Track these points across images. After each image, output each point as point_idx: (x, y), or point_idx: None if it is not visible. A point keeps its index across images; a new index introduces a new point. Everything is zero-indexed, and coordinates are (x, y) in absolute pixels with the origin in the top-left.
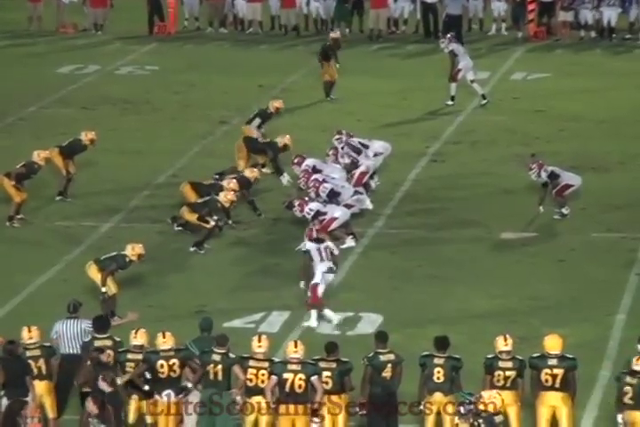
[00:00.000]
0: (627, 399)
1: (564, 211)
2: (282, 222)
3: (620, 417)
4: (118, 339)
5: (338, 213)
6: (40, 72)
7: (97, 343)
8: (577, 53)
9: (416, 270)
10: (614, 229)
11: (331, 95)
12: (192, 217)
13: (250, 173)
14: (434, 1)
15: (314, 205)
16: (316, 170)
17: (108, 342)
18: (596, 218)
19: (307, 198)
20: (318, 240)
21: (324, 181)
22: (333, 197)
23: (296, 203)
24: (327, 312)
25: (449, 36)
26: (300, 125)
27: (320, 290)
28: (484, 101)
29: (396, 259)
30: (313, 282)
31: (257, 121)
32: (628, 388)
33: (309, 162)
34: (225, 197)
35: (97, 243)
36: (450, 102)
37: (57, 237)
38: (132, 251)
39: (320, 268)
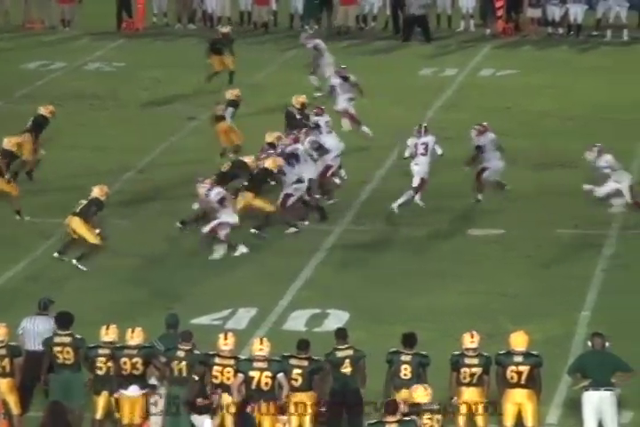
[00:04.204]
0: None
1: (479, 197)
2: (250, 219)
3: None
4: (79, 336)
5: (227, 219)
6: (6, 68)
7: (57, 340)
8: (544, 50)
9: (383, 267)
10: (580, 226)
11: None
12: (255, 201)
13: (272, 164)
14: None
15: (216, 192)
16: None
17: (68, 339)
18: (562, 214)
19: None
20: None
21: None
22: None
23: (206, 182)
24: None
25: (311, 31)
26: (270, 121)
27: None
28: (319, 94)
29: (363, 256)
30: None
31: (230, 110)
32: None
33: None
34: (273, 164)
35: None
36: (318, 94)
37: (24, 233)
38: None
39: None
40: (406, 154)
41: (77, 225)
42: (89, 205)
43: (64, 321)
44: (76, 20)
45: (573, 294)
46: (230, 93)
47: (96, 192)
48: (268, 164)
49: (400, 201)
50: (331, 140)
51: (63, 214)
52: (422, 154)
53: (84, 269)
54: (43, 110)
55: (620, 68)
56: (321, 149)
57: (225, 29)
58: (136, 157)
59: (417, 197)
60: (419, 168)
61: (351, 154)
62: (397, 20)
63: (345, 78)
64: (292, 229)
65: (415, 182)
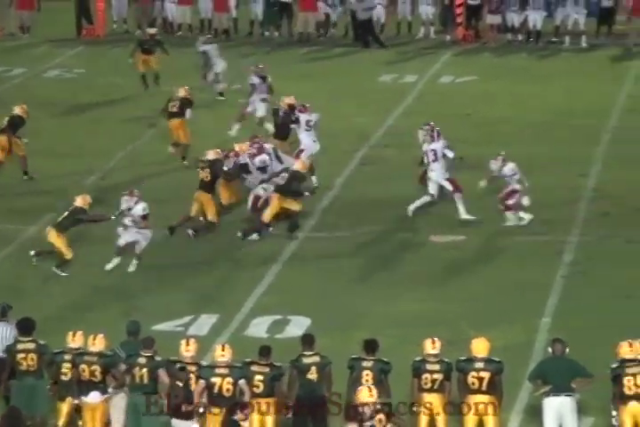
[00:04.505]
0: None
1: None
2: (212, 225)
3: None
4: (42, 342)
5: (147, 237)
6: None
7: (20, 346)
8: (504, 56)
9: (344, 274)
10: (540, 232)
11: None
12: (291, 204)
13: (301, 165)
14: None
15: (141, 207)
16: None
17: (31, 346)
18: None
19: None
20: None
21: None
22: (243, 169)
23: (134, 194)
24: None
25: (208, 36)
26: (228, 127)
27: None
28: (222, 98)
29: (325, 262)
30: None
31: (189, 112)
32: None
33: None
34: (303, 166)
35: (23, 245)
36: (221, 98)
37: None
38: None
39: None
40: (424, 161)
41: (54, 238)
42: (69, 215)
43: (26, 327)
44: (35, 27)
45: (534, 300)
46: (182, 90)
47: (79, 202)
48: (297, 166)
49: (462, 209)
50: (306, 139)
51: (21, 220)
52: (433, 160)
53: (64, 274)
54: (18, 110)
55: (578, 75)
56: (277, 157)
57: (152, 31)
58: (97, 163)
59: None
60: (435, 174)
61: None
62: (357, 27)
63: (263, 78)
64: (255, 236)
65: (448, 186)
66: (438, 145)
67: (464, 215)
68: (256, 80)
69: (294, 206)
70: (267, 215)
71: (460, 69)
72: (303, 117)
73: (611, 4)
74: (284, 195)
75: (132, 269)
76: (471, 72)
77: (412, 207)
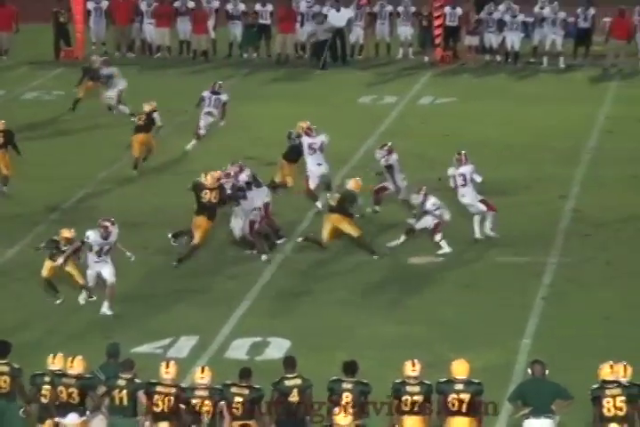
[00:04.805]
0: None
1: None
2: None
3: None
4: (17, 366)
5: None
6: None
7: None
8: (482, 77)
9: (323, 296)
10: (519, 254)
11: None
12: (343, 222)
13: (355, 185)
14: (341, 25)
15: (116, 232)
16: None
17: (5, 368)
18: (502, 242)
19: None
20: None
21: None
22: (240, 191)
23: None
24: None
25: (104, 58)
26: (208, 150)
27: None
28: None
29: (304, 284)
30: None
31: (157, 117)
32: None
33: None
34: (356, 185)
35: (2, 268)
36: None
37: None
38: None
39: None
40: (451, 185)
41: (48, 265)
42: (48, 245)
43: (1, 350)
44: (13, 49)
45: (513, 322)
46: (147, 106)
47: (61, 234)
48: (351, 185)
49: (489, 226)
50: (309, 163)
51: (0, 243)
52: (462, 185)
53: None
54: (1, 126)
55: (557, 96)
56: (256, 181)
57: (95, 58)
58: (76, 187)
59: (486, 228)
60: (467, 199)
61: None
62: (335, 49)
63: (216, 93)
64: (265, 257)
65: (482, 207)
66: (467, 169)
67: (490, 232)
68: (206, 94)
69: (353, 231)
70: (351, 233)
71: (439, 90)
72: (305, 141)
73: (588, 26)
74: (343, 215)
75: (108, 312)
76: (450, 93)
77: (478, 233)
